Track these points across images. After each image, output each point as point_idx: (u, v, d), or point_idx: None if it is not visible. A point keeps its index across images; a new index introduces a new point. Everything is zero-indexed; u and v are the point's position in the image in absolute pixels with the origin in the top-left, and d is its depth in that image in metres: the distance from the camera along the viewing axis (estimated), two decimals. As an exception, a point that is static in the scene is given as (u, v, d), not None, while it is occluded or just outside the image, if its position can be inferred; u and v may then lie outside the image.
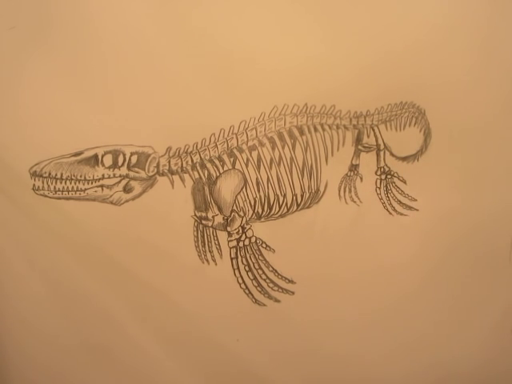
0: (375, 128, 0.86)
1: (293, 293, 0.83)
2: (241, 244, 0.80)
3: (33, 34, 0.73)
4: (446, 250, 0.89)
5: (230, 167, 0.79)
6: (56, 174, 0.73)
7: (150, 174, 0.76)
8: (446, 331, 0.90)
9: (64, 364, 0.79)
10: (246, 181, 0.79)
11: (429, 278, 0.89)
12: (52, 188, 0.73)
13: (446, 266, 0.89)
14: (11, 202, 0.75)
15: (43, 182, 0.73)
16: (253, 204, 0.80)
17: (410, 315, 0.88)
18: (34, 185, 0.73)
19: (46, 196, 0.74)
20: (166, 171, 0.77)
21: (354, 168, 0.85)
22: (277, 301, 0.82)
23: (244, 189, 0.80)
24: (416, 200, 0.89)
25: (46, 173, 0.73)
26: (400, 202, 0.88)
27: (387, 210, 0.88)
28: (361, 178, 0.86)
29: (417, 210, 0.88)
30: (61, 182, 0.73)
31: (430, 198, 0.88)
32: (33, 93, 0.74)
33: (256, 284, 0.81)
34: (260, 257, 0.81)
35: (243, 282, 0.81)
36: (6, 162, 0.73)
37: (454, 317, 0.90)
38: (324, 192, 0.84)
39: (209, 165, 0.79)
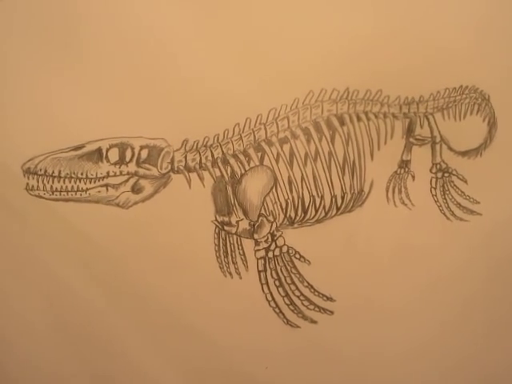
0: (430, 117, 0.83)
1: (332, 312, 0.79)
2: (270, 254, 0.77)
3: (29, 21, 0.72)
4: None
5: (258, 163, 0.76)
6: (53, 172, 0.71)
7: (163, 171, 0.74)
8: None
9: None
10: (276, 179, 0.77)
11: (489, 294, 0.85)
12: (48, 187, 0.71)
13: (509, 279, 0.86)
14: (1, 203, 0.72)
15: (38, 181, 0.71)
16: (284, 207, 0.77)
17: (467, 343, 0.85)
18: (27, 184, 0.71)
19: (41, 197, 0.71)
20: (181, 168, 0.74)
21: (404, 165, 0.82)
22: (313, 322, 0.79)
23: (274, 189, 0.77)
24: (479, 203, 0.85)
25: (41, 170, 0.70)
26: (460, 205, 0.84)
27: (444, 214, 0.84)
28: (413, 177, 0.83)
29: (480, 214, 0.85)
30: (58, 181, 0.71)
31: (494, 200, 0.85)
32: (26, 78, 0.72)
33: (288, 302, 0.78)
34: (293, 269, 0.78)
35: (273, 299, 0.77)
36: (-4, 157, 0.72)
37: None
38: (369, 193, 0.81)
39: (232, 160, 0.76)
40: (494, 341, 0.86)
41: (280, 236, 0.77)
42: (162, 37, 0.74)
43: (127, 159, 0.72)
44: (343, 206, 0.79)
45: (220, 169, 0.75)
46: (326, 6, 0.77)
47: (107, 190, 0.72)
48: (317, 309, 0.78)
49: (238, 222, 0.76)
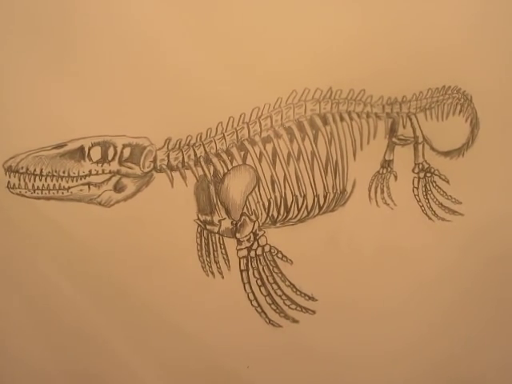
0: (413, 117, 0.83)
1: (313, 312, 0.79)
2: (252, 253, 0.77)
3: (13, 18, 0.71)
4: (494, 261, 0.86)
5: (240, 162, 0.76)
6: (35, 170, 0.70)
7: (146, 170, 0.73)
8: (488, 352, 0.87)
9: None
10: (258, 179, 0.76)
11: (473, 294, 0.86)
12: (30, 186, 0.70)
13: (493, 280, 0.86)
14: None
15: (20, 179, 0.70)
16: (267, 206, 0.77)
17: (451, 344, 0.85)
18: (8, 182, 0.70)
19: (22, 195, 0.70)
20: (164, 167, 0.74)
21: (387, 164, 0.82)
22: (295, 321, 0.79)
23: (256, 188, 0.77)
24: (461, 203, 0.85)
25: (22, 168, 0.69)
26: (442, 205, 0.85)
27: (426, 214, 0.84)
28: (395, 177, 0.83)
29: (462, 214, 0.85)
30: (40, 179, 0.70)
31: (477, 200, 0.85)
32: (9, 77, 0.71)
33: (270, 301, 0.78)
34: (275, 269, 0.78)
35: (255, 298, 0.77)
36: (-24, 156, 0.71)
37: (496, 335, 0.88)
38: (351, 193, 0.81)
39: (215, 159, 0.76)
40: (478, 340, 0.86)
41: (262, 235, 0.77)
42: (146, 36, 0.73)
43: (109, 158, 0.71)
44: (326, 206, 0.79)
45: (203, 168, 0.75)
46: (311, 6, 0.77)
47: (89, 188, 0.71)
48: (299, 308, 0.78)
49: (220, 221, 0.76)
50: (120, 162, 0.72)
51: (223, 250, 0.76)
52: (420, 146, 0.83)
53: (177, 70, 0.74)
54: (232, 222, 0.76)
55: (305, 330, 0.79)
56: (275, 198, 0.77)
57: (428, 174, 0.84)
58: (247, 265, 0.77)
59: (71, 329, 0.75)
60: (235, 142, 0.76)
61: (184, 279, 0.76)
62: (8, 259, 0.73)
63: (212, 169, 0.75)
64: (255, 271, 0.77)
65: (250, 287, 0.77)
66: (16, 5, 0.71)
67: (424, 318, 0.83)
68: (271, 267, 0.77)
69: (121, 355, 0.77)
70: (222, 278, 0.76)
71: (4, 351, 0.76)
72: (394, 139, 0.82)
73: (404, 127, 0.82)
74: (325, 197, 0.78)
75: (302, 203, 0.78)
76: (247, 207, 0.76)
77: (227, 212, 0.76)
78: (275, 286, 0.77)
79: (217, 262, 0.76)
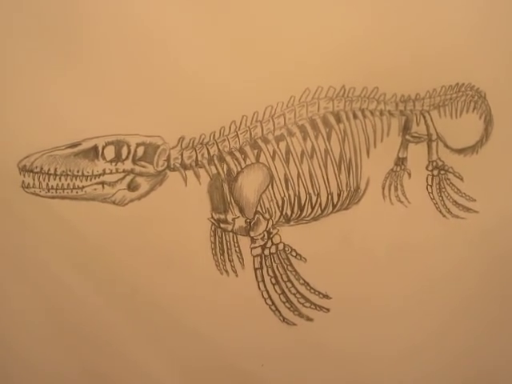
0: (426, 114, 0.82)
1: (328, 310, 0.79)
2: (266, 252, 0.77)
3: (26, 18, 0.71)
4: (509, 258, 0.85)
5: (254, 161, 0.76)
6: (49, 169, 0.70)
7: (159, 168, 0.73)
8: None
9: None
10: (272, 177, 0.76)
11: (487, 291, 0.85)
12: (44, 185, 0.70)
13: (508, 276, 0.86)
14: None
15: (34, 179, 0.70)
16: (280, 204, 0.77)
17: (464, 340, 0.85)
18: (23, 181, 0.70)
19: (37, 194, 0.71)
20: (177, 165, 0.74)
21: (400, 162, 0.82)
22: (309, 319, 0.78)
23: (270, 186, 0.76)
24: (475, 200, 0.84)
25: (37, 167, 0.70)
26: (456, 203, 0.84)
27: (440, 211, 0.83)
28: (409, 174, 0.82)
29: (476, 211, 0.84)
30: (54, 179, 0.70)
31: (491, 197, 0.84)
32: (22, 76, 0.71)
33: (284, 299, 0.77)
34: (289, 267, 0.77)
35: (269, 296, 0.77)
36: (-8, 155, 0.71)
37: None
38: (365, 191, 0.80)
39: (228, 158, 0.75)
40: (490, 338, 0.86)
41: (276, 233, 0.77)
42: (158, 35, 0.73)
43: (123, 157, 0.71)
44: (339, 204, 0.79)
45: (216, 166, 0.75)
46: (323, 4, 0.76)
47: (103, 187, 0.71)
48: (313, 306, 0.78)
49: (234, 219, 0.75)
50: (134, 161, 0.72)
51: (237, 249, 0.76)
52: (434, 144, 0.82)
53: (190, 69, 0.74)
54: (246, 221, 0.76)
55: (319, 328, 0.79)
56: (289, 196, 0.77)
57: (442, 172, 0.83)
58: (261, 263, 0.76)
59: (84, 328, 0.75)
60: (248, 141, 0.75)
61: (198, 278, 0.76)
62: (21, 257, 0.73)
63: (226, 167, 0.75)
64: (269, 269, 0.77)
65: (264, 285, 0.77)
66: (33, 7, 0.71)
67: (438, 315, 0.83)
68: (285, 265, 0.77)
69: (134, 355, 0.77)
70: (236, 276, 0.76)
71: (17, 350, 0.76)
72: (407, 137, 0.81)
73: (418, 125, 0.82)
74: (338, 195, 0.78)
75: (316, 201, 0.78)
76: (261, 205, 0.76)
77: (241, 210, 0.76)
78: (289, 284, 0.77)
79: (231, 261, 0.76)
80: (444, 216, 0.83)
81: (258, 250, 0.76)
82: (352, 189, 0.79)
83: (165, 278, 0.75)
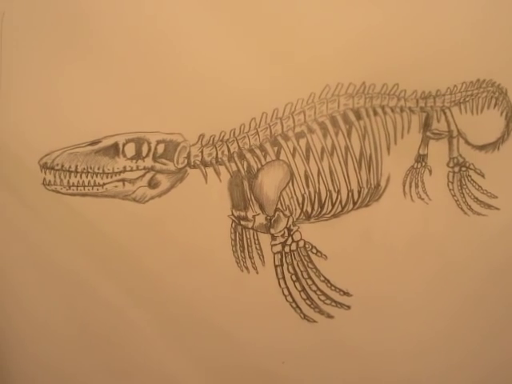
0: (447, 111, 0.81)
1: (348, 307, 0.79)
2: (287, 249, 0.77)
3: (43, 17, 0.71)
4: None
5: (274, 158, 0.76)
6: (70, 167, 0.70)
7: (180, 166, 0.73)
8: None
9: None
10: (292, 174, 0.76)
11: (509, 288, 0.85)
12: (65, 182, 0.71)
13: None
14: (18, 198, 0.72)
15: (55, 176, 0.70)
16: (301, 202, 0.76)
17: (485, 337, 0.85)
18: (44, 179, 0.70)
19: (58, 192, 0.71)
20: (198, 163, 0.74)
21: (421, 159, 0.81)
22: (329, 316, 0.78)
23: (290, 184, 0.76)
24: (496, 197, 0.83)
25: (58, 165, 0.70)
26: (477, 200, 0.83)
27: (461, 208, 0.83)
28: (430, 171, 0.82)
29: (497, 208, 0.83)
30: (75, 176, 0.70)
31: None
32: (43, 74, 0.71)
33: (305, 296, 0.77)
34: (309, 264, 0.77)
35: (289, 293, 0.77)
36: (13, 152, 0.70)
37: None
38: (386, 187, 0.79)
39: (248, 155, 0.75)
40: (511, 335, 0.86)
41: (297, 231, 0.77)
42: (177, 31, 0.73)
43: (144, 154, 0.72)
44: (360, 201, 0.78)
45: (236, 163, 0.75)
46: (342, 1, 0.76)
47: (124, 184, 0.72)
48: (333, 303, 0.78)
49: (254, 216, 0.75)
50: (154, 159, 0.72)
51: (257, 246, 0.76)
52: (454, 140, 0.82)
53: (210, 67, 0.73)
54: (266, 218, 0.76)
55: (339, 325, 0.78)
56: (309, 193, 0.76)
57: (463, 169, 0.83)
58: (282, 260, 0.76)
59: (106, 327, 0.76)
60: (268, 138, 0.75)
61: (218, 275, 0.76)
62: (42, 255, 0.73)
63: (246, 164, 0.75)
64: (289, 266, 0.76)
65: (285, 282, 0.76)
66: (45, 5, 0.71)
67: (459, 311, 0.82)
68: (306, 262, 0.77)
69: (155, 352, 0.77)
70: (257, 273, 0.76)
71: (39, 351, 0.77)
72: (428, 133, 0.80)
73: (438, 121, 0.81)
74: (359, 192, 0.78)
75: (336, 198, 0.77)
76: (281, 202, 0.76)
77: (261, 207, 0.75)
78: (310, 281, 0.77)
79: (251, 258, 0.76)
80: (465, 213, 0.83)
81: (279, 247, 0.76)
82: (372, 186, 0.79)
83: (185, 274, 0.75)
